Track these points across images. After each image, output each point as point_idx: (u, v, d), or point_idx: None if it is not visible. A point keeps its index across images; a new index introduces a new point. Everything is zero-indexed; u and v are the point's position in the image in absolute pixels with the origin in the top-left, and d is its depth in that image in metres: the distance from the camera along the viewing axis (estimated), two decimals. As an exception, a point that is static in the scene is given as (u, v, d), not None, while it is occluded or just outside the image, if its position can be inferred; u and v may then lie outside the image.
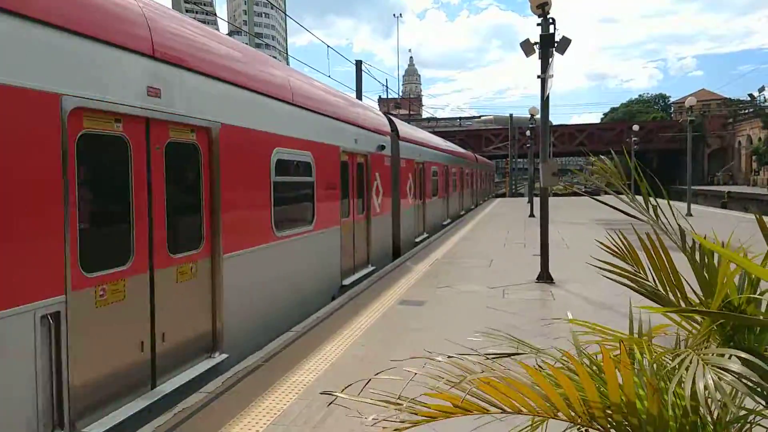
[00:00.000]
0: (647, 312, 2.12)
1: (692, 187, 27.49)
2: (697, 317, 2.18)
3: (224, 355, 6.00)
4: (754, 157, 56.25)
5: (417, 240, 16.98)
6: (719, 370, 1.63)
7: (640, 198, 2.60)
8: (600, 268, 2.48)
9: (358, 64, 25.86)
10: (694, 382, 1.60)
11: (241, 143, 6.52)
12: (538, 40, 10.51)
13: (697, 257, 2.21)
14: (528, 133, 32.98)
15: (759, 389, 1.80)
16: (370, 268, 11.94)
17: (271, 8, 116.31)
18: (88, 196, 4.44)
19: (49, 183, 3.91)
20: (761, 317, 1.97)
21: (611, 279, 2.51)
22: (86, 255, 4.26)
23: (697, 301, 2.16)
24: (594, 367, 2.04)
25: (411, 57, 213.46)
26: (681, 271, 2.25)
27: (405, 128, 16.63)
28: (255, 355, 6.23)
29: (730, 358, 1.73)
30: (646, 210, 2.54)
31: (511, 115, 50.19)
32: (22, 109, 3.72)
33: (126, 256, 4.76)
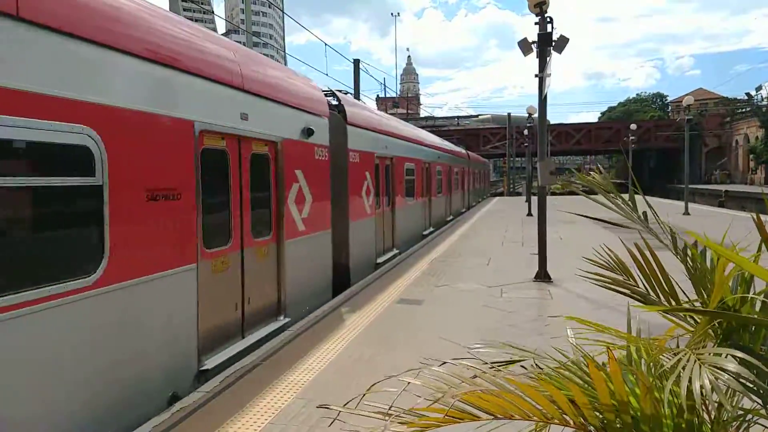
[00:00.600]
0: (647, 312, 2.13)
1: (690, 186, 27.51)
2: (695, 317, 2.18)
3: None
4: (751, 156, 56.29)
5: (379, 261, 12.83)
6: (716, 370, 1.63)
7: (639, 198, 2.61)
8: (592, 279, 2.54)
9: (356, 62, 25.84)
10: (690, 381, 1.60)
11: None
12: (535, 39, 10.53)
13: (693, 257, 2.22)
14: (526, 132, 32.94)
15: (756, 388, 1.80)
16: (283, 321, 7.70)
17: (269, 7, 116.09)
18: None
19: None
20: (756, 316, 1.97)
21: (604, 287, 2.53)
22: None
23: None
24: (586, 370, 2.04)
25: (409, 56, 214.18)
26: (670, 272, 2.27)
27: (358, 110, 12.16)
28: (254, 354, 6.28)
29: (726, 357, 1.73)
30: (636, 218, 2.57)
31: (509, 114, 50.26)
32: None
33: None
